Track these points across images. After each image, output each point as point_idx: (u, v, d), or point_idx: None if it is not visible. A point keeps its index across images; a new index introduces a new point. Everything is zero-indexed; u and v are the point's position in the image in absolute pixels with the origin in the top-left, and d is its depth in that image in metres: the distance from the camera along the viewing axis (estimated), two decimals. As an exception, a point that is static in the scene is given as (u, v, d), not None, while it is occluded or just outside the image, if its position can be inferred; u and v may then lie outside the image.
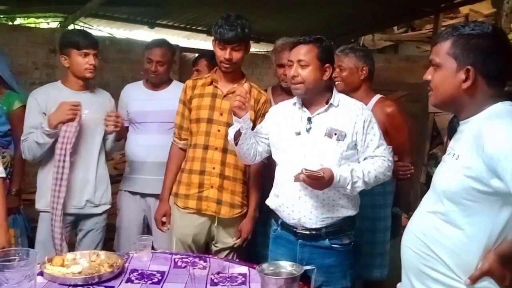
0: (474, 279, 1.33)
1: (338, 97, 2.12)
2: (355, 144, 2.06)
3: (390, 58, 6.31)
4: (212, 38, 2.39)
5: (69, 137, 2.42)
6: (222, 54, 2.32)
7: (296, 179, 1.92)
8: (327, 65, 2.07)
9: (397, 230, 2.78)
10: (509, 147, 1.25)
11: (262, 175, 2.48)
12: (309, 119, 2.08)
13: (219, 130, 2.38)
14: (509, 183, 1.24)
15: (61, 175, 2.43)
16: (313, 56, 2.04)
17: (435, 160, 5.76)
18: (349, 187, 1.96)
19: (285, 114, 2.17)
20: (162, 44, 3.04)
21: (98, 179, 2.63)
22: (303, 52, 2.05)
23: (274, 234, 2.21)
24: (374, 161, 2.05)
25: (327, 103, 2.08)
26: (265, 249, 2.34)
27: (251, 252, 2.61)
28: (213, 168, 2.38)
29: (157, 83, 3.03)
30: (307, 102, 2.12)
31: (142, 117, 2.96)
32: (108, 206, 2.69)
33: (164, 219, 2.56)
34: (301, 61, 2.04)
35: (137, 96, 3.03)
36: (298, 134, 2.08)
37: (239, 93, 2.06)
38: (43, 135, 2.42)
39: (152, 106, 2.96)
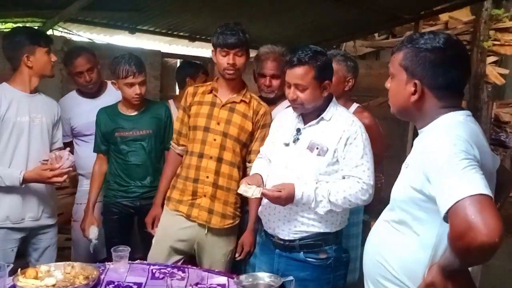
0: None
1: (332, 111, 2.05)
2: (337, 161, 2.00)
3: (372, 64, 6.36)
4: (212, 49, 2.39)
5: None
6: (226, 60, 2.31)
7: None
8: (326, 82, 2.01)
9: (366, 237, 2.79)
10: (438, 160, 1.25)
11: None
12: (298, 130, 2.07)
13: (215, 139, 2.37)
14: (435, 194, 1.24)
15: None
16: (311, 78, 1.96)
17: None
18: (313, 205, 1.94)
19: (284, 123, 2.17)
20: (81, 51, 2.94)
21: (51, 186, 2.49)
22: (300, 75, 1.96)
23: (261, 241, 2.22)
24: (346, 182, 1.96)
25: (319, 116, 2.04)
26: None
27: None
28: (207, 177, 2.37)
29: (96, 90, 2.98)
30: (304, 113, 2.10)
31: (91, 129, 2.83)
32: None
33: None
34: (299, 85, 1.97)
35: (78, 108, 2.95)
36: (287, 145, 2.08)
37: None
38: (8, 181, 2.28)
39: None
